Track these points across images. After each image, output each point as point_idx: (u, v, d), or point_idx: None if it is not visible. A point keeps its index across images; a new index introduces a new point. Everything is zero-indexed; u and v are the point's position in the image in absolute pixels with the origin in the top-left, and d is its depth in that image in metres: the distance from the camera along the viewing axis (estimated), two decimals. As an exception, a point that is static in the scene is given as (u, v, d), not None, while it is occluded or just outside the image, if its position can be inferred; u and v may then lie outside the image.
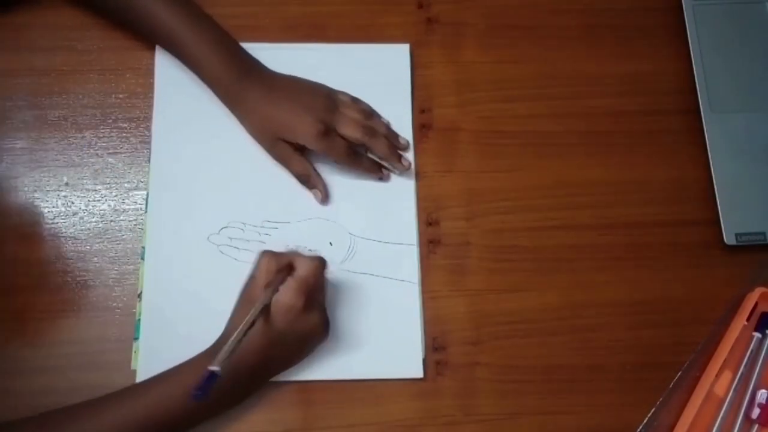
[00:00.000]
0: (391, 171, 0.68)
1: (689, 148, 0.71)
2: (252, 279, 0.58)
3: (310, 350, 0.61)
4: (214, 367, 0.47)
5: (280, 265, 0.57)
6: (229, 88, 0.65)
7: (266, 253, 0.58)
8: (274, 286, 0.56)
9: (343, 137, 0.65)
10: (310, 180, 0.66)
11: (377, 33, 0.72)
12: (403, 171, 0.68)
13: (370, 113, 0.68)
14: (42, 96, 0.68)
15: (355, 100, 0.69)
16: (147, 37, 0.68)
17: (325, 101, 0.66)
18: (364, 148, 0.66)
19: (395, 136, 0.69)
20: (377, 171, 0.67)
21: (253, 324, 0.53)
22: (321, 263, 0.58)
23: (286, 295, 0.55)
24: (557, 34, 0.74)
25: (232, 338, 0.51)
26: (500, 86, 0.72)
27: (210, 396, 0.47)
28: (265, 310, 0.55)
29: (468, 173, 0.69)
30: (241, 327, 0.52)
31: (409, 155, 0.69)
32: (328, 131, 0.64)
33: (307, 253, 0.61)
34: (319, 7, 0.73)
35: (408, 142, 0.69)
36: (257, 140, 0.67)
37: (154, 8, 0.64)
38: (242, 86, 0.65)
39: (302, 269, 0.57)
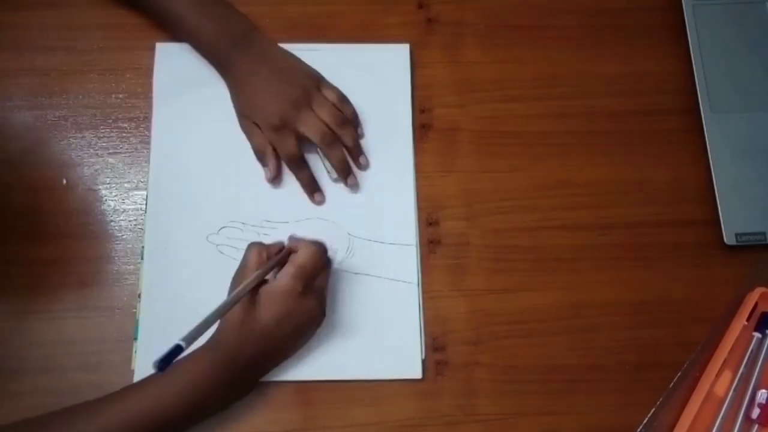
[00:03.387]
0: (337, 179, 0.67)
1: (689, 148, 0.71)
2: (241, 269, 0.58)
3: (307, 338, 0.61)
4: (180, 342, 0.47)
5: (270, 254, 0.58)
6: (221, 56, 0.66)
7: (255, 245, 0.58)
8: (264, 269, 0.56)
9: (301, 135, 0.65)
10: (264, 157, 0.66)
11: (377, 33, 0.73)
12: (347, 186, 0.67)
13: (344, 120, 0.67)
14: (42, 96, 0.68)
15: (341, 101, 0.68)
16: (141, 10, 0.68)
17: (299, 94, 0.65)
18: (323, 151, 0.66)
19: (359, 153, 0.68)
20: (311, 192, 0.67)
21: (235, 302, 0.53)
22: (320, 247, 0.59)
23: (284, 280, 0.56)
24: (557, 34, 0.74)
25: (206, 317, 0.50)
26: (500, 86, 0.72)
27: (211, 384, 0.50)
28: (258, 299, 0.56)
29: (468, 173, 0.69)
30: (219, 304, 0.52)
31: (409, 155, 0.69)
32: (283, 126, 0.64)
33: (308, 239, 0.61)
34: (319, 7, 0.73)
35: (368, 162, 0.68)
36: (233, 106, 0.68)
37: None
38: (230, 53, 0.65)
39: (301, 255, 0.58)
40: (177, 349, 0.47)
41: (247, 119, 0.66)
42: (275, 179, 0.67)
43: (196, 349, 0.57)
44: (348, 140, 0.67)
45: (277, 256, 0.58)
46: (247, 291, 0.55)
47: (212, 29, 0.65)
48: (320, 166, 0.68)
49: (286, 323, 0.57)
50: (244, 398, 0.60)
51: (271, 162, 0.66)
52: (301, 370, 0.62)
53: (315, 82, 0.67)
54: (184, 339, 0.48)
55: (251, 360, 0.57)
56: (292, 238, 0.61)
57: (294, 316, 0.57)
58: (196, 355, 0.56)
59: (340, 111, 0.67)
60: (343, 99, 0.68)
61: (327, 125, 0.65)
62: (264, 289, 0.57)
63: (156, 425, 0.55)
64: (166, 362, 0.46)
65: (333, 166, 0.67)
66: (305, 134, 0.65)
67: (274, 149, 0.66)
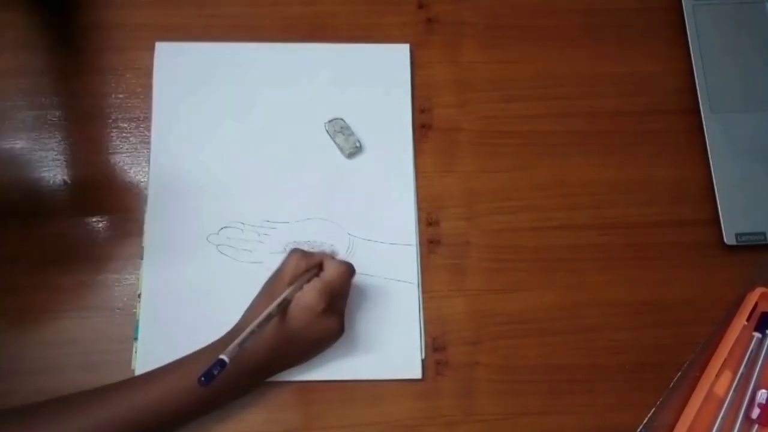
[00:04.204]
0: None
1: (689, 148, 0.71)
2: (278, 273, 0.58)
3: (321, 351, 0.61)
4: (224, 356, 0.48)
5: (309, 265, 0.58)
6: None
7: (297, 251, 0.58)
8: (299, 283, 0.56)
9: None
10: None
11: (377, 33, 0.72)
12: None
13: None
14: (42, 96, 0.68)
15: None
16: None
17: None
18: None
19: None
20: None
21: (270, 318, 0.53)
22: (349, 269, 0.59)
23: (310, 295, 0.56)
24: (557, 34, 0.74)
25: (247, 330, 0.51)
26: (500, 86, 0.72)
27: (214, 383, 0.48)
28: (284, 307, 0.55)
29: (468, 173, 0.69)
30: (258, 319, 0.52)
31: (409, 155, 0.69)
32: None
33: (337, 256, 0.62)
34: (319, 7, 0.73)
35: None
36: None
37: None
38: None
39: (330, 272, 0.57)
40: (220, 364, 0.48)
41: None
42: None
43: (207, 345, 0.57)
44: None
45: (312, 272, 0.58)
46: (288, 301, 0.55)
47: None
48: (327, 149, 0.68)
49: (303, 336, 0.57)
50: (243, 398, 0.60)
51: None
52: (302, 370, 0.61)
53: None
54: (227, 353, 0.48)
55: (259, 364, 0.57)
56: (327, 254, 0.60)
57: (312, 330, 0.57)
58: (207, 352, 0.56)
59: None
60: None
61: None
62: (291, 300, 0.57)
63: (162, 417, 0.55)
64: (208, 377, 0.47)
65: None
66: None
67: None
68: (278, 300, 0.55)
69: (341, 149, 0.68)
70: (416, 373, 0.62)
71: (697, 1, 0.75)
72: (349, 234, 0.66)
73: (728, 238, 0.67)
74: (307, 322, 0.56)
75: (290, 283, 0.57)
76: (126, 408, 0.54)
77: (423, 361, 0.63)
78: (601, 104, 0.72)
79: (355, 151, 0.68)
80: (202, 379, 0.47)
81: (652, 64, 0.74)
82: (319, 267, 0.59)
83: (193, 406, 0.56)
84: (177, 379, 0.55)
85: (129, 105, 0.69)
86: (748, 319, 0.65)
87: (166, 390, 0.55)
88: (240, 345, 0.50)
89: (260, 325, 0.52)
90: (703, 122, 0.71)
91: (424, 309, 0.64)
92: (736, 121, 0.71)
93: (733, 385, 0.63)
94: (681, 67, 0.73)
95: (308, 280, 0.57)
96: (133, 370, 0.60)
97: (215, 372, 0.47)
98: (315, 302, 0.56)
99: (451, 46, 0.73)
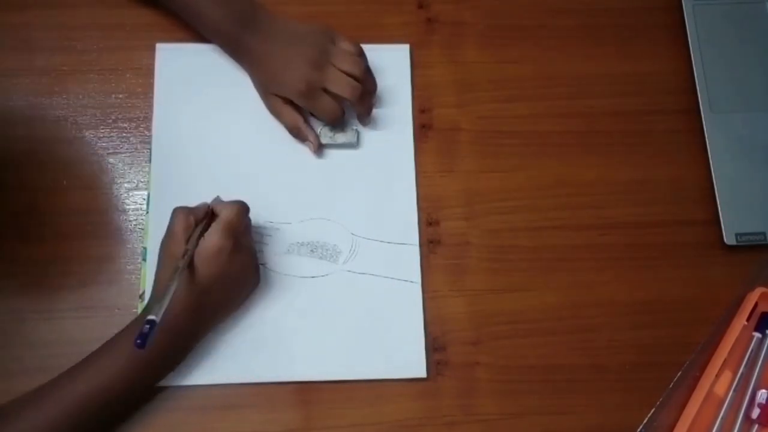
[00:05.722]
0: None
1: (689, 148, 0.71)
2: (169, 234, 0.57)
3: (244, 297, 0.61)
4: (151, 316, 0.48)
5: (197, 218, 0.57)
6: (229, 38, 0.66)
7: (180, 209, 0.57)
8: (196, 235, 0.55)
9: (332, 94, 0.65)
10: (300, 132, 0.67)
11: (377, 33, 0.72)
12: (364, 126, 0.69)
13: (365, 70, 0.67)
14: (42, 96, 0.68)
15: (355, 53, 0.67)
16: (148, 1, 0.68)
17: (317, 56, 0.64)
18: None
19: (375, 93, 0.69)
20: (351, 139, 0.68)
21: (179, 271, 0.53)
22: (243, 206, 0.59)
23: (214, 237, 0.55)
24: (557, 34, 0.74)
25: (169, 287, 0.51)
26: (500, 86, 0.72)
27: (150, 344, 0.48)
28: (188, 261, 0.54)
29: (468, 173, 0.69)
30: (173, 276, 0.52)
31: (410, 155, 0.69)
32: (312, 90, 0.64)
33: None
34: (319, 7, 0.73)
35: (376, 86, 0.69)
36: (256, 90, 0.68)
37: None
38: (241, 36, 0.65)
39: (225, 212, 0.57)
40: (151, 324, 0.48)
41: (274, 97, 0.66)
42: (319, 149, 0.67)
43: (133, 320, 0.57)
44: (371, 86, 0.68)
45: (206, 218, 0.57)
46: (191, 254, 0.55)
47: (219, 15, 0.65)
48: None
49: (223, 281, 0.57)
50: (178, 366, 0.60)
51: (310, 134, 0.67)
52: (307, 370, 0.62)
53: (329, 38, 0.66)
54: (153, 313, 0.48)
55: (190, 324, 0.57)
56: (215, 201, 0.60)
57: (229, 272, 0.57)
58: (134, 326, 0.56)
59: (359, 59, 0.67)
60: (360, 51, 0.67)
61: (352, 76, 0.65)
62: (195, 251, 0.55)
63: (100, 399, 0.54)
64: (143, 338, 0.47)
65: (358, 112, 0.68)
66: (335, 92, 0.65)
67: (306, 120, 0.67)
68: (188, 255, 0.54)
69: (346, 145, 0.68)
70: (421, 372, 0.62)
71: (697, 1, 0.75)
72: (352, 234, 0.66)
73: (728, 238, 0.67)
74: (221, 264, 0.56)
75: (186, 240, 0.55)
76: (65, 403, 0.54)
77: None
78: (601, 104, 0.72)
79: (355, 138, 0.68)
80: (138, 341, 0.47)
81: (652, 64, 0.74)
82: (209, 215, 0.58)
83: (132, 383, 0.56)
84: (107, 361, 0.55)
85: (129, 105, 0.69)
86: (748, 319, 0.65)
87: (99, 373, 0.54)
88: (161, 303, 0.49)
89: (172, 279, 0.52)
90: (703, 122, 0.71)
91: (424, 309, 0.64)
92: (736, 121, 0.71)
93: (733, 385, 0.63)
94: (681, 67, 0.73)
95: (204, 230, 0.56)
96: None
97: (146, 331, 0.47)
98: (222, 242, 0.55)
99: (451, 46, 0.73)
